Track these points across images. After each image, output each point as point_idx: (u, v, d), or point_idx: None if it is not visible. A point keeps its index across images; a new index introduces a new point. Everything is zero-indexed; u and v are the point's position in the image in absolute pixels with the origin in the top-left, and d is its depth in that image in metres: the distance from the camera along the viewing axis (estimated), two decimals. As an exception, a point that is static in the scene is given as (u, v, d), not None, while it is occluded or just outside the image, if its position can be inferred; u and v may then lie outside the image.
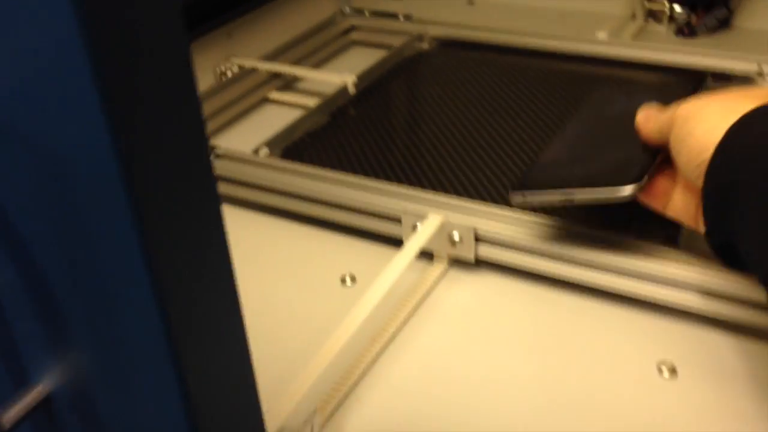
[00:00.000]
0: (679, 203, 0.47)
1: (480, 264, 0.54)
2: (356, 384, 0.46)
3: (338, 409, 0.44)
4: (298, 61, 0.84)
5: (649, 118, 0.48)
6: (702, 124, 0.42)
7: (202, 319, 0.23)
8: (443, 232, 0.52)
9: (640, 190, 0.46)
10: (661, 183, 0.47)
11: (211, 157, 0.62)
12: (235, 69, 0.79)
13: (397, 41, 0.84)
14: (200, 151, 0.22)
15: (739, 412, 0.42)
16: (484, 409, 0.44)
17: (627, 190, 0.45)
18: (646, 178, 0.46)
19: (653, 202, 0.48)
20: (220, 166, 0.61)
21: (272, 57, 0.82)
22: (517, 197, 0.49)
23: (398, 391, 0.45)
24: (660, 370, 0.45)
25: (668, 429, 0.42)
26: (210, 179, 0.22)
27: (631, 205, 0.47)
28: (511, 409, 0.44)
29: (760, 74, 0.68)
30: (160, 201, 0.21)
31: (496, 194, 0.58)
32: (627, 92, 0.55)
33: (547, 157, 0.52)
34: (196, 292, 0.23)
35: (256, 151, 0.64)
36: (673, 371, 0.45)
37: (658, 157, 0.47)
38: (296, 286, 0.54)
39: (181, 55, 0.21)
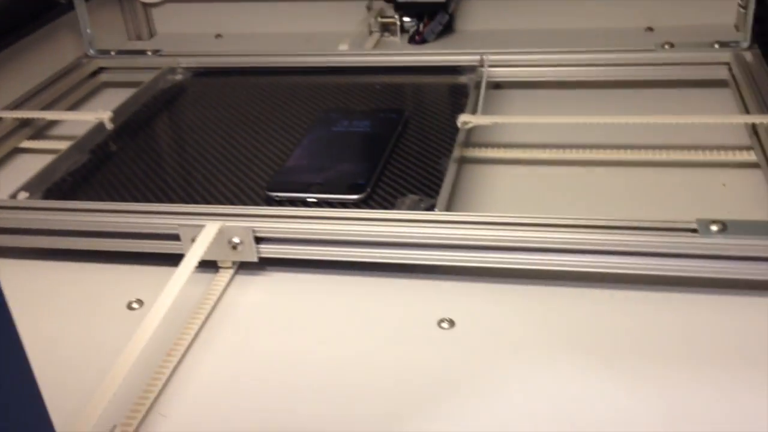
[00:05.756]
0: None
1: (265, 264, 0.56)
2: (156, 400, 0.45)
3: (141, 426, 0.44)
4: (44, 109, 0.81)
5: None
6: None
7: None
8: (222, 238, 0.54)
9: (365, 197, 0.59)
10: None
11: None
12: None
13: (149, 77, 0.84)
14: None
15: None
16: (293, 401, 0.45)
17: (353, 197, 0.59)
18: (369, 188, 0.60)
19: None
20: (-26, 217, 0.58)
21: (15, 107, 0.79)
22: (272, 195, 0.61)
23: (202, 400, 0.46)
24: (440, 326, 0.50)
25: (449, 376, 0.46)
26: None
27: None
28: (320, 395, 0.45)
29: (481, 65, 0.77)
30: None
31: (262, 197, 0.61)
32: (347, 115, 0.73)
33: (292, 163, 0.66)
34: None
35: (13, 196, 0.61)
36: (452, 323, 0.50)
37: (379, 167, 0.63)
38: (83, 323, 0.53)
39: None
